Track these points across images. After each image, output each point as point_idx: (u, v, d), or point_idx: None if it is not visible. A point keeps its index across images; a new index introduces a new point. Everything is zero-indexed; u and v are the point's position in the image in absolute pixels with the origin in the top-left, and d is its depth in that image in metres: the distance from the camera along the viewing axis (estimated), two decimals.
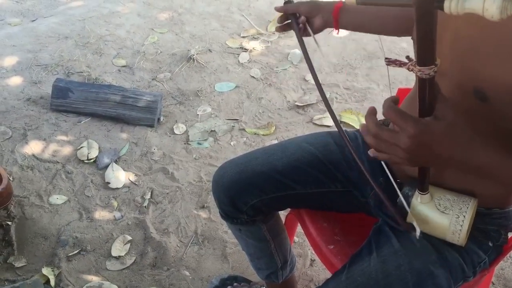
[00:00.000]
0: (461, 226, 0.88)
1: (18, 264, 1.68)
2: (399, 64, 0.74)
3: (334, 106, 2.49)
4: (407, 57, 0.70)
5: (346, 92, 2.61)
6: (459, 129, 0.71)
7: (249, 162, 1.21)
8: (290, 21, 1.18)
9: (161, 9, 3.36)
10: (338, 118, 2.39)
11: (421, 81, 0.67)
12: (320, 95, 1.03)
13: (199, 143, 2.27)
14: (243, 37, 3.07)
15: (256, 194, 1.19)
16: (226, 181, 1.20)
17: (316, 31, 1.19)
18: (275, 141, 2.26)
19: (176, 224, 1.87)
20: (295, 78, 2.70)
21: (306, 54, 1.01)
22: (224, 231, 1.85)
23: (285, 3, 1.20)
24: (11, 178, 1.99)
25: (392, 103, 0.71)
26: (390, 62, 0.76)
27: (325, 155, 1.17)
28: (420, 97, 0.70)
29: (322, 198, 1.21)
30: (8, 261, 1.69)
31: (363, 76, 2.75)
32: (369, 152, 0.80)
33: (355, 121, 2.33)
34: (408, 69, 0.69)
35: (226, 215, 1.26)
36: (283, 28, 1.21)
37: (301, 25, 1.15)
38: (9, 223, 1.80)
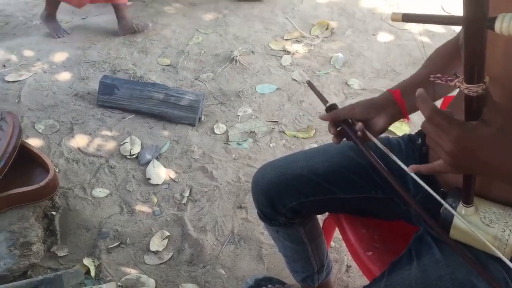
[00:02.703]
0: (507, 240, 0.86)
1: (60, 253, 1.74)
2: (446, 80, 0.72)
3: None
4: (455, 74, 0.69)
5: None
6: (509, 135, 0.68)
7: (289, 164, 1.21)
8: (342, 128, 1.00)
9: (206, 10, 3.41)
10: None
11: (468, 98, 0.65)
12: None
13: (238, 144, 2.28)
14: (286, 39, 3.08)
15: (295, 196, 1.19)
16: (265, 182, 1.21)
17: (379, 133, 1.01)
18: (315, 145, 2.25)
19: (213, 222, 1.89)
20: (337, 82, 2.69)
21: (376, 162, 0.91)
22: (261, 232, 1.85)
23: (327, 109, 1.03)
24: (57, 170, 2.06)
25: (436, 106, 0.69)
26: (436, 77, 0.75)
27: (367, 161, 1.16)
28: (467, 104, 0.68)
29: (362, 204, 1.19)
30: (51, 250, 1.75)
31: None
32: (409, 167, 0.79)
33: (398, 128, 2.29)
34: (455, 86, 0.67)
35: (265, 216, 1.26)
36: (340, 139, 1.02)
37: (359, 133, 0.96)
38: (54, 213, 1.87)
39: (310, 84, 1.09)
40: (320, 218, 1.41)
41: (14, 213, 1.70)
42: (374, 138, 0.96)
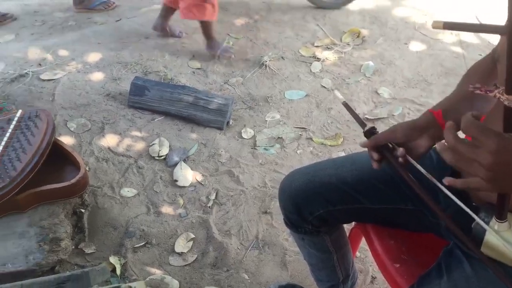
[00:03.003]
0: None
1: (88, 251, 1.77)
2: (485, 91, 0.70)
3: None
4: (495, 84, 0.67)
5: (419, 108, 2.54)
6: None
7: (318, 172, 1.21)
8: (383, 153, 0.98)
9: (237, 15, 3.43)
10: None
11: (508, 110, 0.64)
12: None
13: (265, 149, 2.28)
14: (317, 46, 3.07)
15: (323, 204, 1.18)
16: (293, 189, 1.21)
17: (421, 155, 1.00)
18: (342, 153, 2.24)
19: (238, 226, 1.90)
20: (367, 90, 2.66)
21: (408, 177, 0.91)
22: (285, 238, 1.85)
23: (366, 133, 1.01)
24: (87, 168, 2.10)
25: (473, 118, 0.67)
26: (475, 88, 0.73)
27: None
28: (506, 116, 0.66)
29: (391, 215, 1.18)
30: (79, 247, 1.78)
31: (438, 93, 2.67)
32: (444, 180, 0.77)
33: None
34: (494, 96, 0.65)
35: (291, 223, 1.26)
36: (381, 164, 1.00)
37: (400, 159, 0.94)
38: (83, 210, 1.90)
39: (346, 106, 1.07)
40: (346, 227, 1.40)
41: (45, 209, 1.74)
42: (416, 164, 0.93)
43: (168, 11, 3.06)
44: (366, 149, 1.01)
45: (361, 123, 1.04)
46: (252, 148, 2.29)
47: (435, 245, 1.12)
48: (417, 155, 0.98)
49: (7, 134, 1.73)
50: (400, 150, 0.94)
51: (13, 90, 2.57)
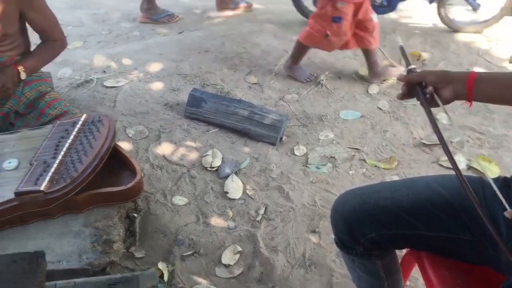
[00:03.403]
0: None
1: (138, 255, 1.81)
2: None
3: (465, 150, 2.35)
4: None
5: (480, 137, 2.45)
6: None
7: (373, 194, 1.19)
8: (415, 89, 1.12)
9: (296, 32, 3.44)
10: (467, 163, 2.25)
11: None
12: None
13: (317, 167, 2.27)
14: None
15: (376, 227, 1.16)
16: (346, 209, 1.20)
17: (444, 103, 1.10)
18: (396, 177, 2.19)
19: (285, 243, 1.89)
20: (424, 114, 2.59)
21: (435, 125, 1.04)
22: (332, 259, 1.82)
23: (408, 71, 1.15)
24: (143, 174, 2.16)
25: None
26: None
27: (456, 200, 1.11)
28: None
29: (447, 244, 1.14)
30: (129, 250, 1.83)
31: (500, 122, 2.57)
32: (505, 213, 0.75)
33: (488, 169, 2.17)
34: None
35: (342, 244, 1.24)
36: (406, 96, 1.15)
37: (428, 95, 1.10)
38: (136, 215, 1.95)
39: (402, 50, 1.26)
40: (399, 253, 1.36)
41: (100, 211, 1.79)
42: (440, 103, 1.08)
43: (304, 51, 2.91)
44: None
45: (408, 62, 1.18)
46: (303, 166, 2.28)
47: (493, 280, 1.07)
48: (441, 101, 1.09)
49: (71, 137, 1.81)
50: (429, 88, 1.09)
51: (78, 95, 2.70)
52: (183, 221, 1.97)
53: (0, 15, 1.85)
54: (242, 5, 3.84)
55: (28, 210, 1.64)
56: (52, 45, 2.12)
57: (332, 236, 1.83)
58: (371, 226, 1.16)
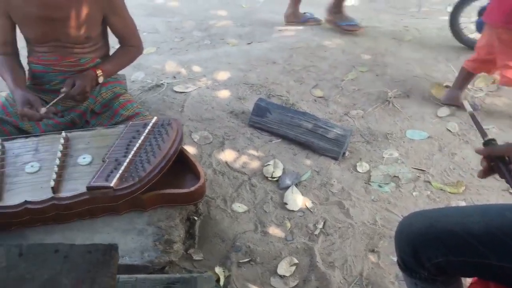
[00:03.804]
0: None
1: (196, 257, 1.85)
2: None
3: None
4: None
5: None
6: None
7: (441, 217, 1.16)
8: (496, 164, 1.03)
9: (365, 49, 3.42)
10: None
11: None
12: None
13: (380, 186, 2.23)
14: (446, 86, 2.94)
15: (443, 252, 1.12)
16: (412, 231, 1.17)
17: None
18: (463, 202, 2.10)
19: (342, 260, 1.86)
20: (499, 141, 2.49)
21: None
22: (391, 281, 1.77)
23: (485, 143, 1.08)
24: (205, 179, 2.21)
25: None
26: None
27: None
28: None
29: None
30: (188, 252, 1.87)
31: None
32: None
33: None
34: None
35: (405, 266, 1.21)
36: (487, 173, 1.07)
37: None
38: (196, 218, 2.00)
39: (472, 116, 1.16)
40: (464, 281, 1.31)
41: (164, 211, 1.84)
42: None
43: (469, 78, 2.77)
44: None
45: (484, 133, 1.12)
46: (365, 183, 2.25)
47: None
48: None
49: (142, 137, 1.88)
50: None
51: (148, 98, 2.80)
52: (242, 228, 1.99)
53: (84, 18, 1.97)
54: (311, 20, 3.85)
55: (97, 204, 1.72)
56: (129, 50, 2.22)
57: (393, 257, 1.80)
58: (438, 250, 1.12)
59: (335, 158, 2.38)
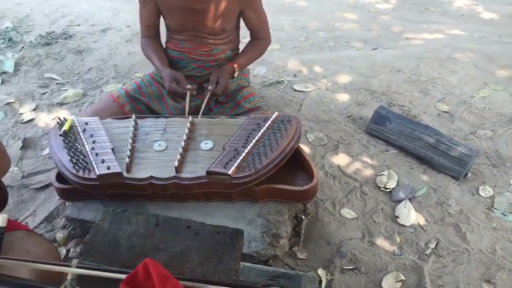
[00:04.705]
0: None
1: (299, 256, 1.85)
2: None
3: None
4: None
5: None
6: None
7: None
8: None
9: (502, 66, 3.17)
10: None
11: None
12: None
13: (503, 214, 2.06)
14: None
15: None
16: None
17: None
18: None
19: (454, 285, 1.75)
20: None
21: None
22: None
23: None
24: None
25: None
26: None
27: None
28: None
29: None
30: (292, 249, 1.87)
31: None
32: None
33: None
34: None
35: None
36: None
37: None
38: (303, 217, 2.00)
39: None
40: None
41: (274, 205, 1.87)
42: None
43: None
44: None
45: None
46: (487, 209, 2.09)
47: None
48: None
49: (262, 131, 1.92)
50: None
51: (268, 93, 2.85)
52: (348, 235, 1.95)
53: (222, 11, 2.05)
54: None
55: (213, 189, 1.79)
56: (259, 44, 2.28)
57: None
58: None
59: (456, 178, 2.24)
